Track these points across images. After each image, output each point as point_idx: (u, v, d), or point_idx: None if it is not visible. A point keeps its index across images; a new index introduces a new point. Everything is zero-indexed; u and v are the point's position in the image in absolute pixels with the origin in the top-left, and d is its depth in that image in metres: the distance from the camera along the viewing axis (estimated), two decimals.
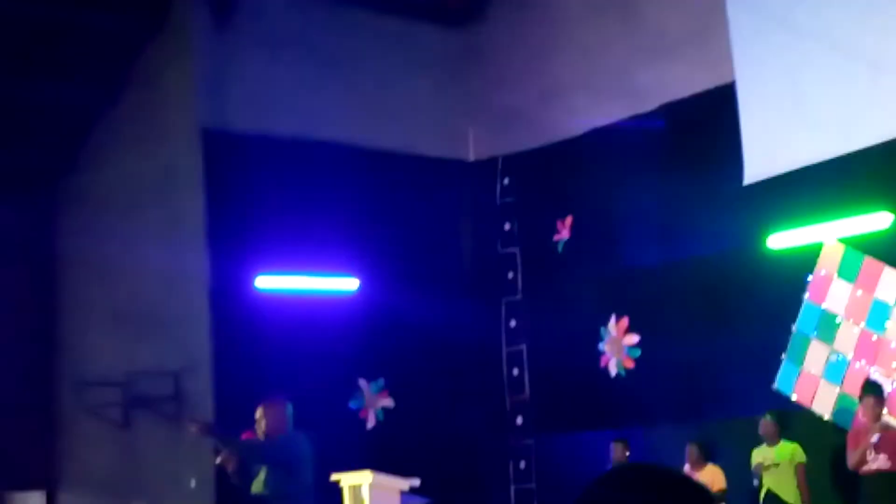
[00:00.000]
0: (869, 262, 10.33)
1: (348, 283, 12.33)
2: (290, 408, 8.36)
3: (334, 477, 8.91)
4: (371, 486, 8.63)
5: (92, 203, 12.35)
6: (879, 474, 9.28)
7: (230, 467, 8.34)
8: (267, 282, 11.76)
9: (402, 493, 8.84)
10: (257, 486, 8.28)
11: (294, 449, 8.12)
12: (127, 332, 11.93)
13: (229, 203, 11.63)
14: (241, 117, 11.85)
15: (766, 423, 10.21)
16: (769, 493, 10.09)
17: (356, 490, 8.75)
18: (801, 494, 10.03)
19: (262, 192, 11.81)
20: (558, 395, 12.81)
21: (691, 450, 10.69)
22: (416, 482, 8.95)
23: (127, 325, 11.94)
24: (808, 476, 10.11)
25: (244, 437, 8.35)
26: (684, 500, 1.55)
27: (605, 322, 12.41)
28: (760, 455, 10.20)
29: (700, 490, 1.57)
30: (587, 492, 1.60)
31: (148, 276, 11.84)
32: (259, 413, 8.40)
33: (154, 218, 11.87)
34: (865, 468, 9.40)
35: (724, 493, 10.49)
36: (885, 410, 9.50)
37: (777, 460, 10.08)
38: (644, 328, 12.09)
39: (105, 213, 12.22)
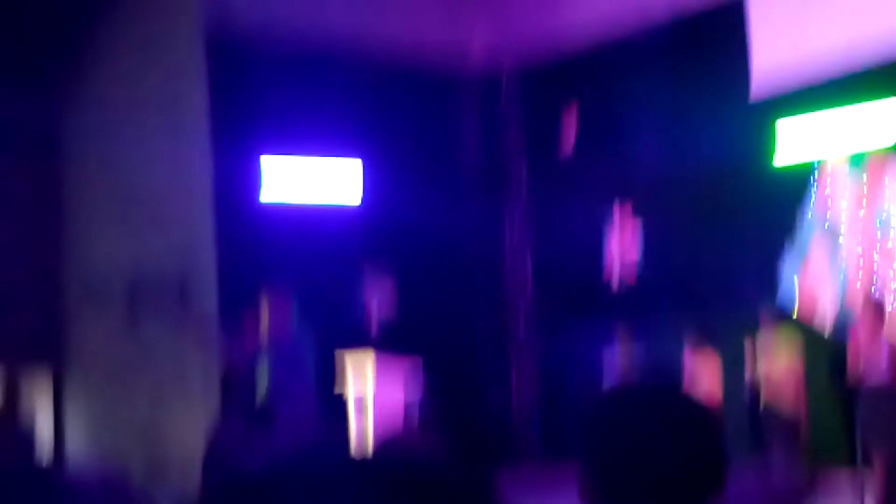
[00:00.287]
0: (873, 174, 10.35)
1: (351, 198, 12.32)
2: (293, 304, 8.44)
3: (338, 353, 9.01)
4: (373, 364, 8.75)
5: (96, 101, 12.32)
6: (876, 388, 9.39)
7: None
8: (272, 194, 11.82)
9: (405, 368, 8.92)
10: (261, 380, 8.37)
11: (298, 352, 8.20)
12: (133, 229, 11.99)
13: (233, 102, 11.61)
14: (244, 14, 11.77)
15: (764, 332, 10.31)
16: (766, 400, 10.24)
17: (360, 367, 8.86)
18: (792, 399, 10.13)
19: (264, 89, 11.79)
20: (560, 291, 12.94)
21: (691, 337, 10.83)
22: (418, 359, 9.03)
23: (133, 222, 12.00)
24: (806, 390, 10.22)
25: (247, 324, 8.40)
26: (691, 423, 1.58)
27: (608, 221, 12.47)
28: (760, 361, 10.32)
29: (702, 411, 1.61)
30: (598, 409, 1.62)
31: (153, 174, 11.86)
32: (263, 307, 8.47)
33: (158, 116, 11.86)
34: (864, 382, 9.50)
35: (714, 378, 10.65)
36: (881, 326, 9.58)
37: (775, 365, 10.20)
38: (649, 227, 12.16)
39: (110, 111, 12.20)
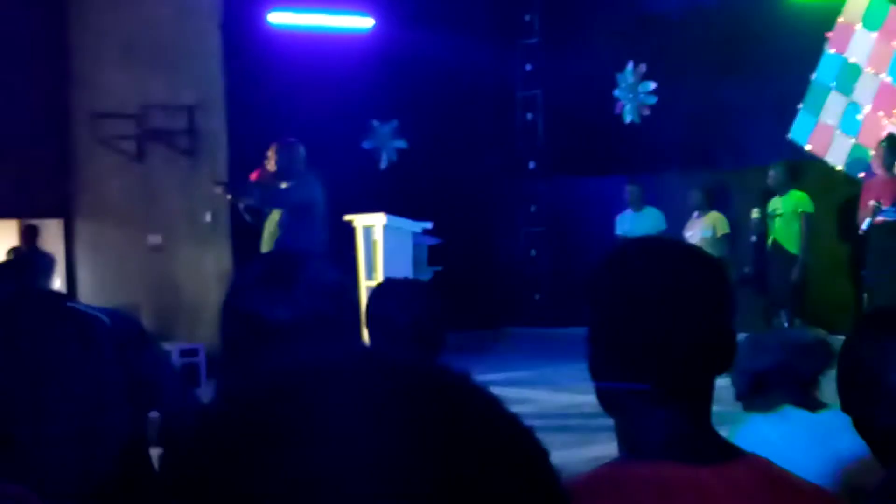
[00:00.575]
0: (895, 11, 10.09)
1: (363, 21, 12.10)
2: (302, 149, 8.35)
3: (347, 217, 9.02)
4: (384, 228, 8.75)
5: None
6: (886, 224, 9.36)
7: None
8: (280, 17, 11.54)
9: (414, 234, 8.98)
10: (270, 224, 8.38)
11: (306, 191, 8.15)
12: (140, 66, 11.84)
13: None
14: None
15: (775, 173, 10.22)
16: (774, 242, 10.22)
17: (369, 231, 8.88)
18: (801, 242, 10.12)
19: None
20: (572, 140, 12.79)
21: (697, 195, 10.76)
22: (429, 225, 9.07)
23: (140, 59, 11.83)
24: (819, 226, 10.18)
25: (254, 175, 8.36)
26: (699, 272, 1.53)
27: (622, 68, 12.26)
28: (771, 205, 10.27)
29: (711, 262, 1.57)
30: (604, 267, 1.57)
31: (161, 9, 11.64)
32: (270, 152, 8.39)
33: None
34: (875, 219, 9.46)
35: (727, 237, 10.61)
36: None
37: (783, 210, 10.15)
38: (660, 75, 11.95)
39: None
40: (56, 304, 2.94)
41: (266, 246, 8.19)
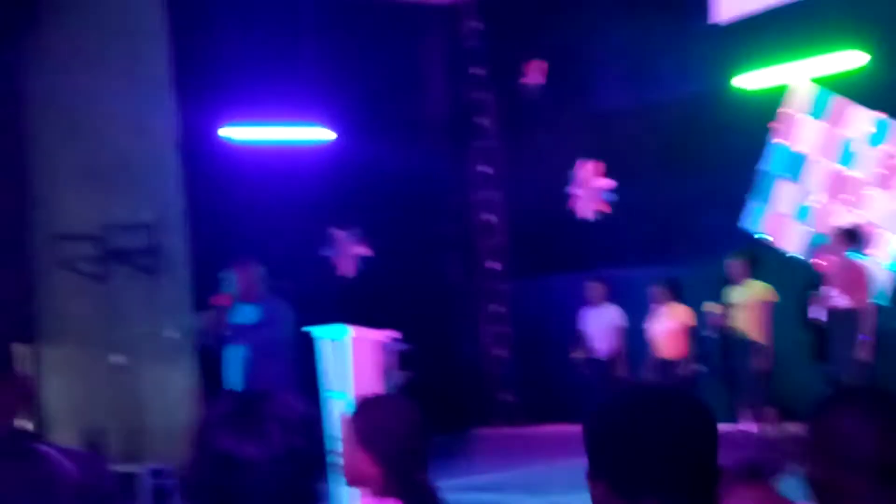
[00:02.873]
0: (838, 100, 10.37)
1: (318, 134, 12.24)
2: (261, 270, 8.31)
3: (308, 329, 9.00)
4: (351, 339, 8.73)
5: (59, 55, 12.13)
6: (837, 310, 9.50)
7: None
8: (236, 132, 11.67)
9: (383, 342, 8.96)
10: (236, 355, 8.20)
11: (273, 323, 8.06)
12: (99, 186, 11.88)
13: (195, 51, 11.45)
14: None
15: (733, 263, 10.35)
16: (736, 331, 10.31)
17: (336, 342, 8.85)
18: (764, 332, 10.21)
19: (227, 40, 11.61)
20: (532, 239, 12.93)
21: (657, 290, 10.86)
22: (397, 334, 9.06)
23: (99, 178, 11.89)
24: (778, 313, 10.29)
25: (216, 300, 8.29)
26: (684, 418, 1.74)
27: (577, 166, 12.46)
28: (729, 295, 10.38)
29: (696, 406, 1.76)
30: (597, 415, 1.78)
31: (118, 129, 11.73)
32: (230, 276, 8.33)
33: (121, 69, 11.69)
34: (830, 303, 9.60)
35: (692, 329, 10.70)
36: (848, 251, 9.63)
37: (745, 299, 10.26)
38: (615, 172, 12.16)
39: (71, 67, 12.02)
40: (17, 444, 2.78)
41: (234, 379, 8.07)
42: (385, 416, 2.96)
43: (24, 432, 2.93)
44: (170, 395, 11.23)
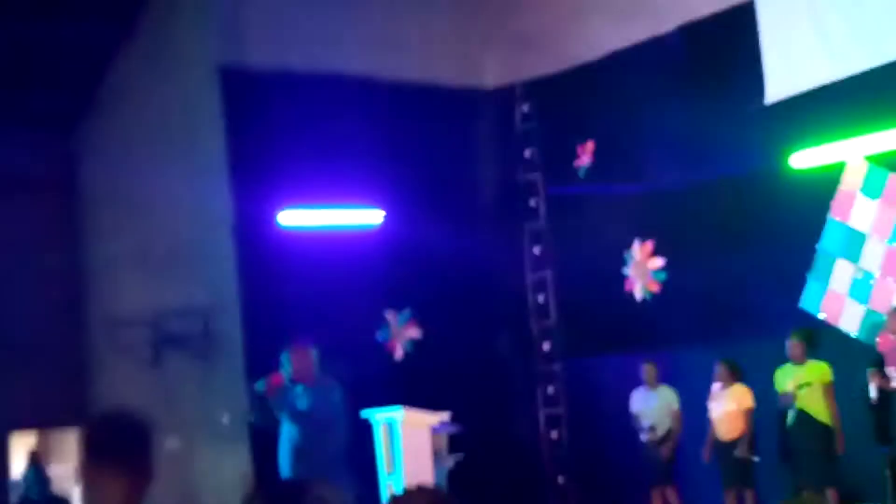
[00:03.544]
0: (893, 177, 10.27)
1: (371, 216, 12.33)
2: (315, 352, 8.30)
3: (364, 413, 8.98)
4: (402, 422, 8.71)
5: (115, 142, 12.39)
6: None
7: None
8: (290, 217, 11.78)
9: (433, 426, 8.93)
10: (291, 434, 8.18)
11: (325, 403, 8.03)
12: (154, 271, 12.03)
13: (250, 139, 11.61)
14: (257, 51, 11.78)
15: (793, 343, 10.20)
16: (801, 413, 10.11)
17: (388, 425, 8.84)
18: (831, 413, 10.05)
19: (281, 126, 11.77)
20: (584, 320, 12.85)
21: (722, 369, 10.72)
22: (446, 416, 9.03)
23: (154, 264, 12.03)
24: (836, 394, 10.12)
25: (272, 380, 8.29)
26: None
27: (629, 246, 12.41)
28: (788, 375, 10.21)
29: None
30: None
31: (173, 215, 11.89)
32: (285, 358, 8.34)
33: (176, 156, 11.90)
34: (894, 385, 9.44)
35: (751, 411, 10.56)
36: None
37: (807, 380, 10.09)
38: (668, 251, 12.09)
39: (128, 153, 12.26)
40: None
41: (286, 462, 8.03)
42: None
43: None
44: (224, 480, 11.21)
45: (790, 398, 10.10)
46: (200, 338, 11.64)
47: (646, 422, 11.25)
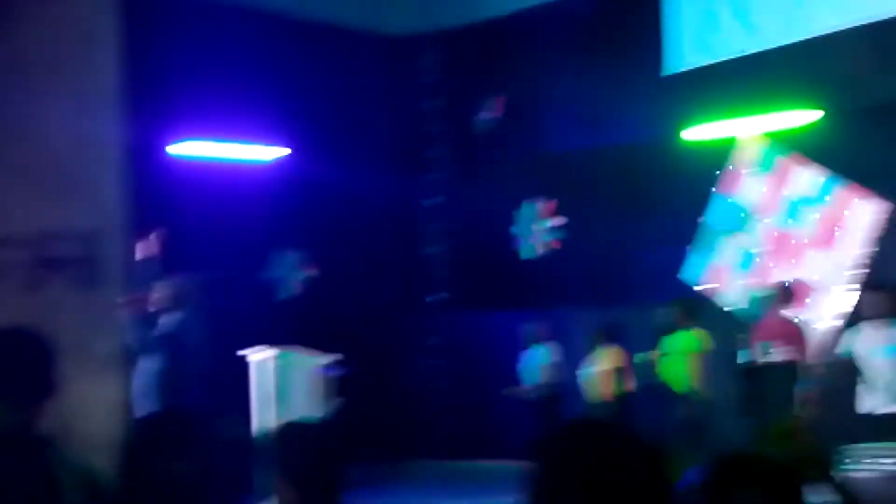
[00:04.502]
0: (782, 158, 10.51)
1: (268, 152, 12.17)
2: (188, 284, 8.21)
3: (242, 352, 8.91)
4: (281, 361, 8.66)
5: (3, 59, 11.96)
6: (776, 364, 9.57)
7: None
8: (186, 148, 11.56)
9: (316, 367, 8.91)
10: (149, 367, 8.07)
11: (182, 335, 7.96)
12: (38, 193, 11.65)
13: (148, 65, 11.31)
14: None
15: (669, 311, 10.39)
16: (666, 381, 10.34)
17: (266, 365, 8.79)
18: (694, 382, 10.24)
19: (183, 56, 11.52)
20: (475, 274, 12.93)
21: (593, 333, 10.90)
22: (330, 358, 9.01)
23: (38, 186, 11.66)
24: (713, 364, 10.33)
25: (139, 300, 8.17)
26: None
27: (525, 204, 12.50)
28: (664, 344, 10.42)
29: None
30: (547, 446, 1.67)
31: (61, 136, 11.54)
32: (158, 285, 8.24)
33: (68, 75, 11.50)
34: (766, 359, 9.68)
35: (621, 371, 10.72)
36: (784, 308, 9.74)
37: (674, 349, 10.30)
38: (561, 212, 12.21)
39: (16, 69, 11.84)
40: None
41: (141, 391, 7.93)
42: (302, 442, 2.96)
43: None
44: (99, 408, 11.03)
45: (649, 367, 10.34)
46: (82, 262, 11.38)
47: (527, 378, 11.43)
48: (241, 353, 8.96)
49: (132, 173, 11.13)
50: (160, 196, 11.18)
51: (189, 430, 1.90)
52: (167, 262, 8.99)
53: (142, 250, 8.24)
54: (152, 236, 8.23)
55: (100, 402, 10.97)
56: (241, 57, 11.91)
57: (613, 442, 1.70)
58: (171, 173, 11.41)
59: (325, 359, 9.07)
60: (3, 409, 2.94)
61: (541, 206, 12.37)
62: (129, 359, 9.76)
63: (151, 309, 8.10)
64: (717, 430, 10.34)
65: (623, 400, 10.73)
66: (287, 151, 12.18)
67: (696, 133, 10.77)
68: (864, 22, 9.28)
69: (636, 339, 10.96)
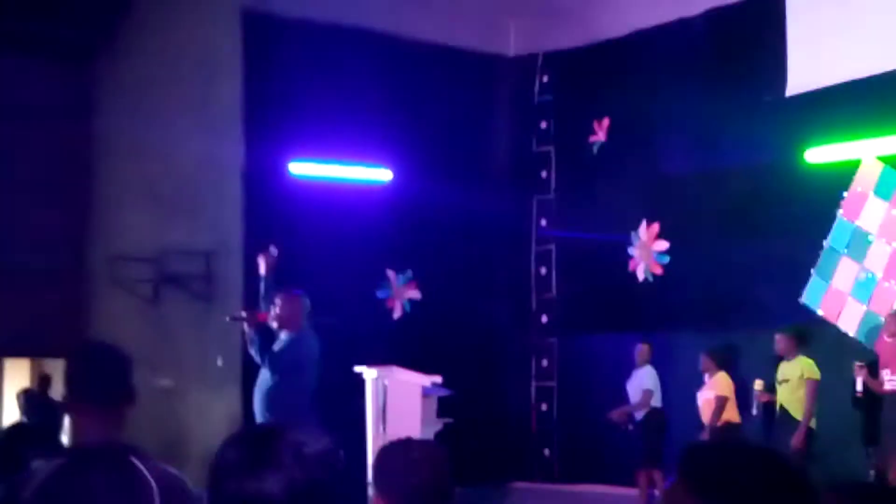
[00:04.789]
0: None
1: (381, 174, 12.33)
2: (306, 301, 8.31)
3: (357, 369, 9.01)
4: (392, 380, 8.74)
5: (130, 80, 12.34)
6: (892, 393, 9.33)
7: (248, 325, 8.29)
8: (301, 168, 11.79)
9: (424, 387, 8.96)
10: (262, 383, 8.22)
11: (297, 352, 8.03)
12: (160, 210, 12.03)
13: (267, 87, 11.59)
14: (282, 0, 11.73)
15: (780, 337, 10.20)
16: (781, 408, 10.14)
17: (378, 383, 8.87)
18: (805, 408, 10.00)
19: (299, 77, 11.75)
20: (584, 295, 12.86)
21: (704, 358, 10.76)
22: (438, 379, 9.05)
23: (161, 204, 12.04)
24: (827, 393, 10.10)
25: (257, 315, 8.32)
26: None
27: (636, 226, 12.40)
28: (780, 371, 10.23)
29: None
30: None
31: (183, 156, 11.88)
32: (277, 302, 8.36)
33: (191, 98, 11.87)
34: (885, 387, 9.45)
35: (725, 400, 10.55)
36: None
37: (788, 376, 10.10)
38: (674, 235, 12.07)
39: (143, 91, 12.22)
40: (121, 458, 2.94)
41: (258, 405, 8.07)
42: (404, 461, 2.94)
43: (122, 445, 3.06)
44: (213, 422, 11.26)
45: (761, 395, 10.17)
46: (201, 279, 11.67)
47: (634, 401, 11.34)
48: (357, 369, 9.06)
49: (250, 192, 11.44)
50: (277, 215, 11.42)
51: (277, 447, 1.90)
52: (283, 279, 9.13)
53: (260, 266, 8.42)
54: (269, 252, 8.39)
55: (218, 412, 11.24)
56: (357, 79, 12.09)
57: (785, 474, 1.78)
58: (287, 192, 11.62)
59: (432, 379, 9.12)
60: (87, 417, 3.03)
61: (655, 228, 12.25)
62: (246, 372, 10.00)
63: (270, 324, 8.22)
64: (835, 460, 10.10)
65: (732, 428, 10.54)
66: (401, 172, 12.32)
67: (818, 155, 10.57)
68: None
69: (751, 364, 10.78)
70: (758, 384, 10.27)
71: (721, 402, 10.49)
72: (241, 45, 11.46)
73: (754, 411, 10.24)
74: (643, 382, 11.30)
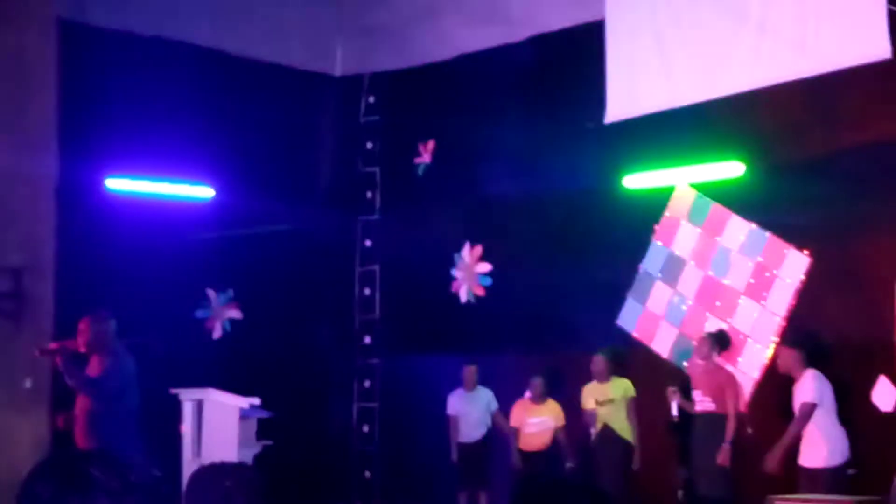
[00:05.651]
0: (716, 208, 10.61)
1: (203, 191, 12.08)
2: (112, 324, 8.12)
3: (174, 391, 8.81)
4: (208, 403, 8.57)
5: None
6: (704, 414, 9.65)
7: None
8: (118, 183, 11.45)
9: (242, 409, 8.81)
10: (81, 410, 8.01)
11: (117, 378, 7.87)
12: None
13: (83, 99, 11.22)
14: (100, 10, 11.41)
15: (596, 359, 10.46)
16: (605, 427, 10.38)
17: (195, 405, 8.69)
18: (631, 428, 10.35)
19: (119, 90, 11.41)
20: (408, 317, 12.88)
21: (535, 383, 10.91)
22: (256, 401, 8.92)
23: None
24: (643, 413, 10.40)
25: (66, 345, 8.08)
26: None
27: (459, 248, 12.50)
28: (592, 392, 10.46)
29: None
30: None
31: None
32: (83, 326, 8.16)
33: (1, 109, 11.38)
34: (696, 408, 9.76)
35: (562, 429, 10.76)
36: (715, 354, 9.83)
37: (610, 396, 10.37)
38: (497, 257, 12.22)
39: None
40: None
41: (82, 432, 7.84)
42: (214, 488, 2.88)
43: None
44: (20, 446, 10.79)
45: (593, 415, 10.38)
46: (10, 297, 11.18)
47: (464, 424, 11.34)
48: (173, 391, 8.84)
49: (63, 208, 11.03)
50: (92, 232, 11.05)
51: (92, 474, 1.81)
52: (98, 299, 8.86)
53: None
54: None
55: (25, 435, 10.75)
56: (180, 93, 11.82)
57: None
58: (103, 209, 11.27)
59: (250, 401, 8.98)
60: None
61: (478, 250, 12.37)
62: (56, 395, 9.66)
63: (80, 348, 7.98)
64: (649, 478, 10.37)
65: (557, 450, 10.73)
66: (223, 190, 12.10)
67: (635, 181, 10.86)
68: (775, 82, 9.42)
69: (572, 387, 10.98)
70: (591, 394, 10.46)
71: (562, 429, 10.69)
72: (56, 56, 11.05)
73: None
74: (487, 404, 11.34)
